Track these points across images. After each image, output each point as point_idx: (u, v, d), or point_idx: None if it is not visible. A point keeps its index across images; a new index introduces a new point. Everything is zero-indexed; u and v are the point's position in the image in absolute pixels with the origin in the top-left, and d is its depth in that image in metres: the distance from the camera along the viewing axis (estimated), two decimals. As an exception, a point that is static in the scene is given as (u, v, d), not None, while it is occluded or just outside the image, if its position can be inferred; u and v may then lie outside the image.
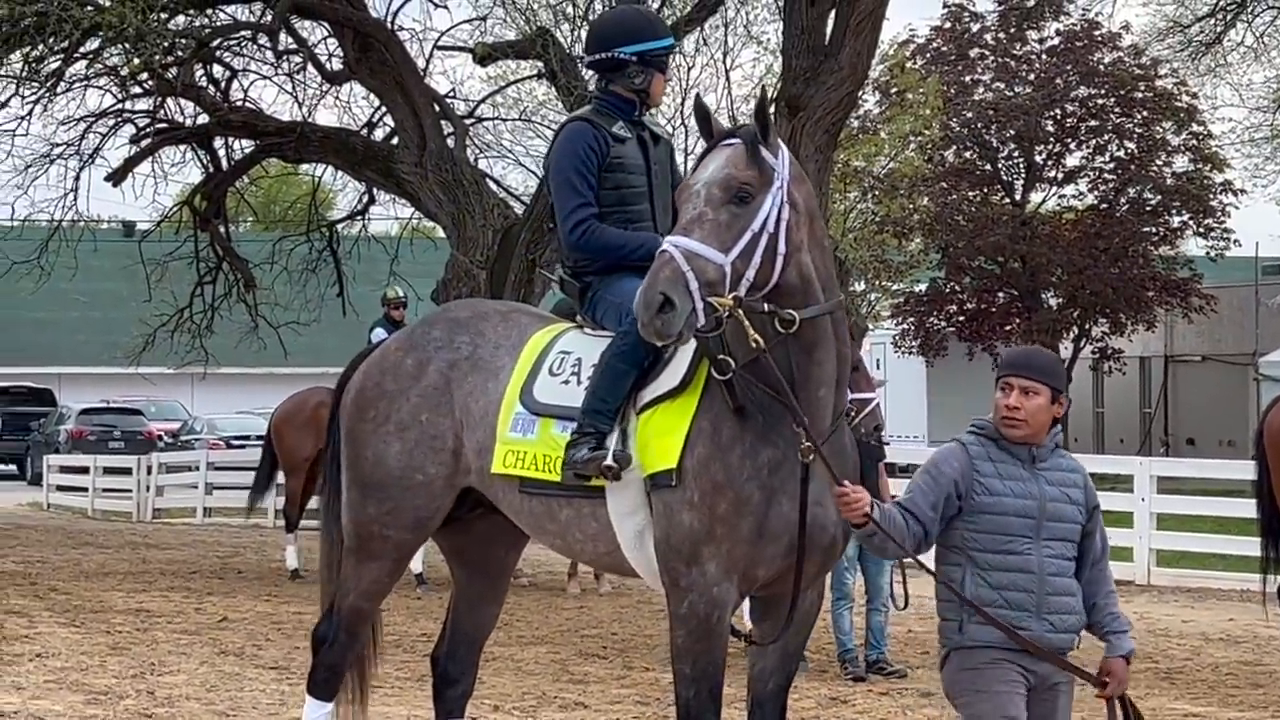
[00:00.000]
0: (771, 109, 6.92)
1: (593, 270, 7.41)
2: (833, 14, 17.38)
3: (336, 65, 23.28)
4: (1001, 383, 6.27)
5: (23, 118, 22.74)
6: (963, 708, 6.30)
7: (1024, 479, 6.24)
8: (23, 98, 22.19)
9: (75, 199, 24.72)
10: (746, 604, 7.34)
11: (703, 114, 6.74)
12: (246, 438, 40.07)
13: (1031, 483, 6.24)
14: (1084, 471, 6.40)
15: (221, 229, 26.32)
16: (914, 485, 6.31)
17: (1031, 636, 6.17)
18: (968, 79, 42.89)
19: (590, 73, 9.08)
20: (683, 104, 21.80)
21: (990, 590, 6.19)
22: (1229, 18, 32.67)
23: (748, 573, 6.74)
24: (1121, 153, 42.80)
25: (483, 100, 26.02)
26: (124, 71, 22.44)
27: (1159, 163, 42.59)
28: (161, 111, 24.52)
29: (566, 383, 7.15)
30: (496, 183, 24.43)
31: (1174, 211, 42.49)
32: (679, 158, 8.18)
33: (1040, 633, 6.18)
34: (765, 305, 6.52)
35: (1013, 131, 42.45)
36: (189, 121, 24.56)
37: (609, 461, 6.83)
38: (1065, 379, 6.39)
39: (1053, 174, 43.65)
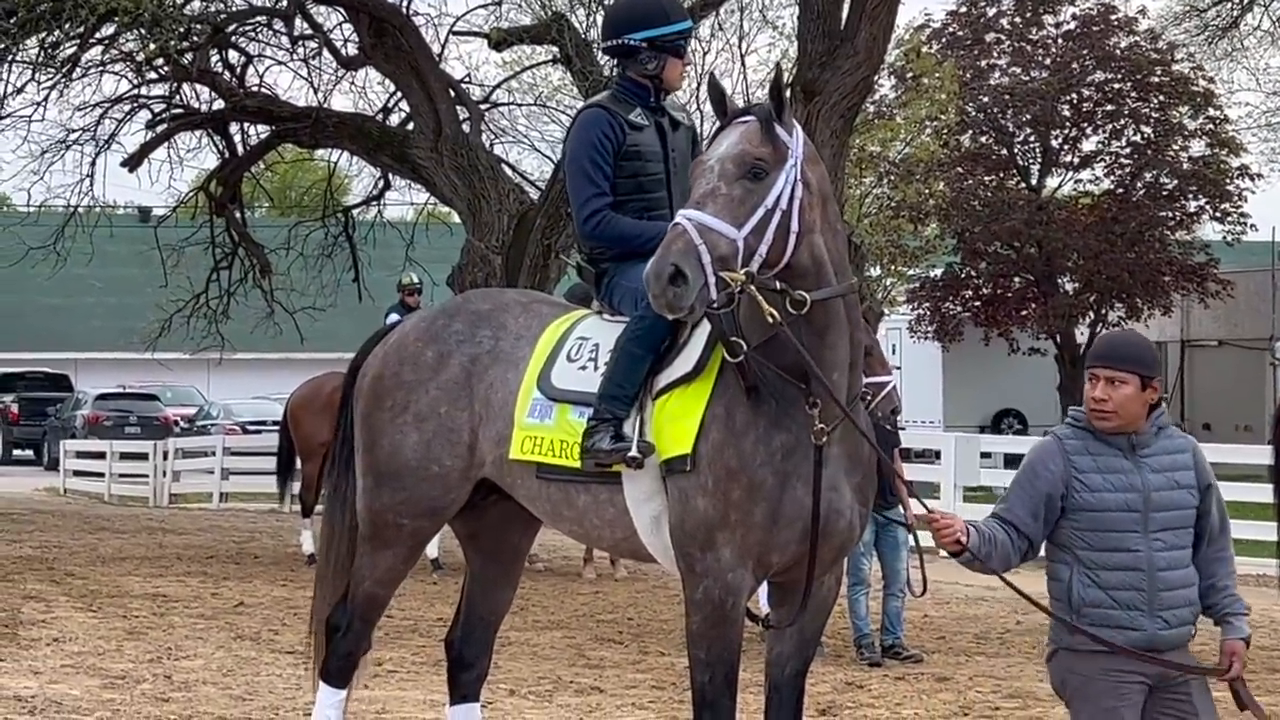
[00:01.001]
0: (788, 92, 6.88)
1: (609, 257, 7.38)
2: (848, -2, 17.36)
3: (352, 50, 23.27)
4: (1089, 374, 6.02)
5: (39, 103, 22.76)
6: (1072, 714, 6.11)
7: (1126, 471, 5.97)
8: (39, 83, 22.21)
9: (91, 184, 24.75)
10: (763, 589, 7.33)
11: (717, 93, 6.70)
12: (263, 423, 40.10)
13: (1134, 474, 5.96)
14: (1194, 449, 6.10)
15: (237, 214, 26.33)
16: (1011, 490, 6.08)
17: (1144, 637, 5.93)
18: (983, 63, 42.79)
19: (604, 58, 9.06)
20: (698, 89, 21.82)
21: (1099, 591, 5.95)
22: (1246, 1, 32.55)
23: (762, 558, 6.72)
24: (1138, 137, 42.69)
25: (498, 85, 26.03)
26: (140, 57, 22.45)
27: (1175, 147, 42.48)
28: (177, 97, 24.51)
29: (584, 369, 7.13)
30: (512, 168, 24.44)
31: (1190, 196, 42.39)
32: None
33: (1153, 631, 5.94)
34: (777, 284, 6.48)
35: (1029, 116, 42.36)
36: (204, 107, 24.56)
37: (633, 453, 6.81)
38: (1155, 362, 6.07)
39: (1069, 159, 43.55)
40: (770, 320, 6.42)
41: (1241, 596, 6.15)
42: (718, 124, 6.70)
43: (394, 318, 17.92)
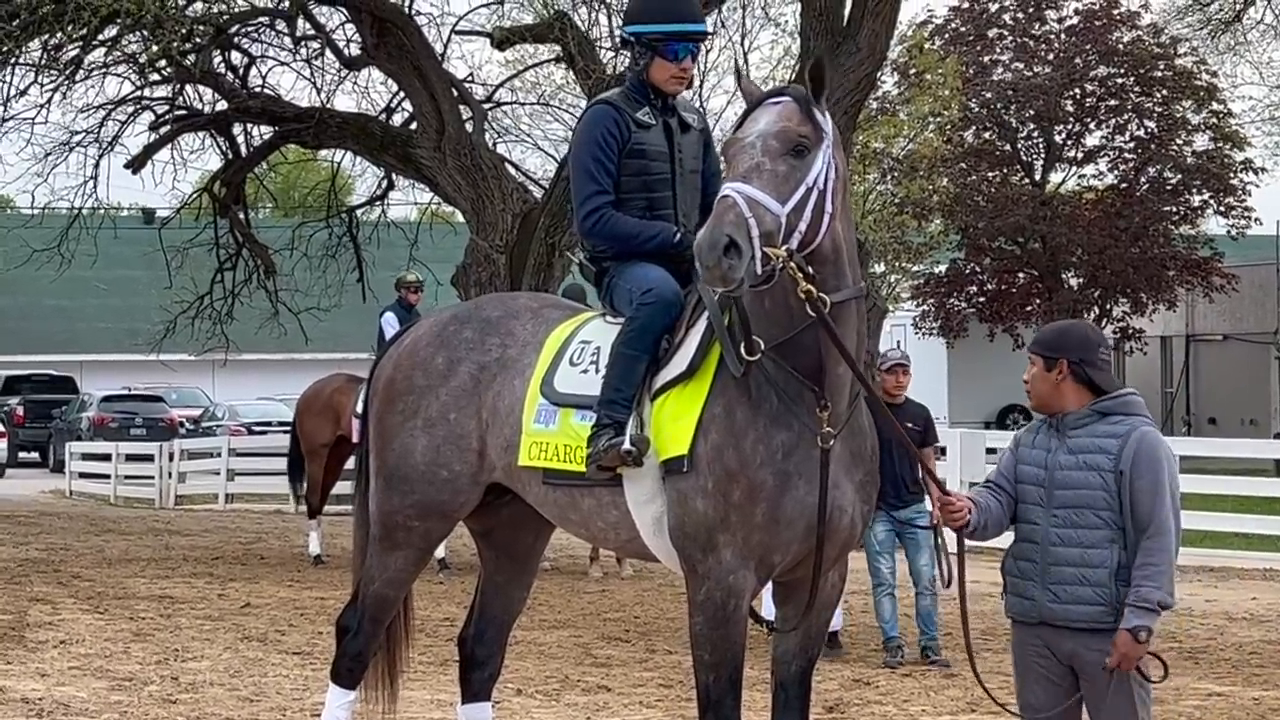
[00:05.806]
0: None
1: (609, 256, 7.33)
2: (851, -5, 17.33)
3: (354, 50, 23.27)
4: None
5: (42, 106, 22.76)
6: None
7: (1046, 448, 6.24)
8: (42, 85, 22.22)
9: (95, 186, 24.76)
10: (767, 591, 7.29)
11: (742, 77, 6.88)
12: (268, 423, 40.10)
13: (1050, 453, 6.24)
14: (1129, 438, 6.13)
15: (241, 215, 26.34)
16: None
17: (1032, 606, 6.23)
18: (986, 59, 42.80)
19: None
20: (701, 85, 21.78)
21: (1012, 560, 6.31)
22: (1248, -5, 32.49)
23: (764, 559, 6.68)
24: (1141, 132, 42.70)
25: (501, 84, 26.05)
26: (142, 58, 22.45)
27: (1179, 142, 42.49)
28: (180, 98, 24.53)
29: (585, 372, 7.11)
30: (515, 167, 24.44)
31: (1194, 190, 42.39)
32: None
33: (1043, 602, 6.21)
34: (809, 267, 6.41)
35: (1032, 111, 42.37)
36: (208, 108, 24.58)
37: (627, 447, 6.78)
38: (1068, 345, 6.25)
39: (1072, 154, 43.56)
40: (804, 296, 6.34)
41: (1151, 591, 6.03)
42: (745, 107, 6.68)
43: (389, 318, 18.01)
